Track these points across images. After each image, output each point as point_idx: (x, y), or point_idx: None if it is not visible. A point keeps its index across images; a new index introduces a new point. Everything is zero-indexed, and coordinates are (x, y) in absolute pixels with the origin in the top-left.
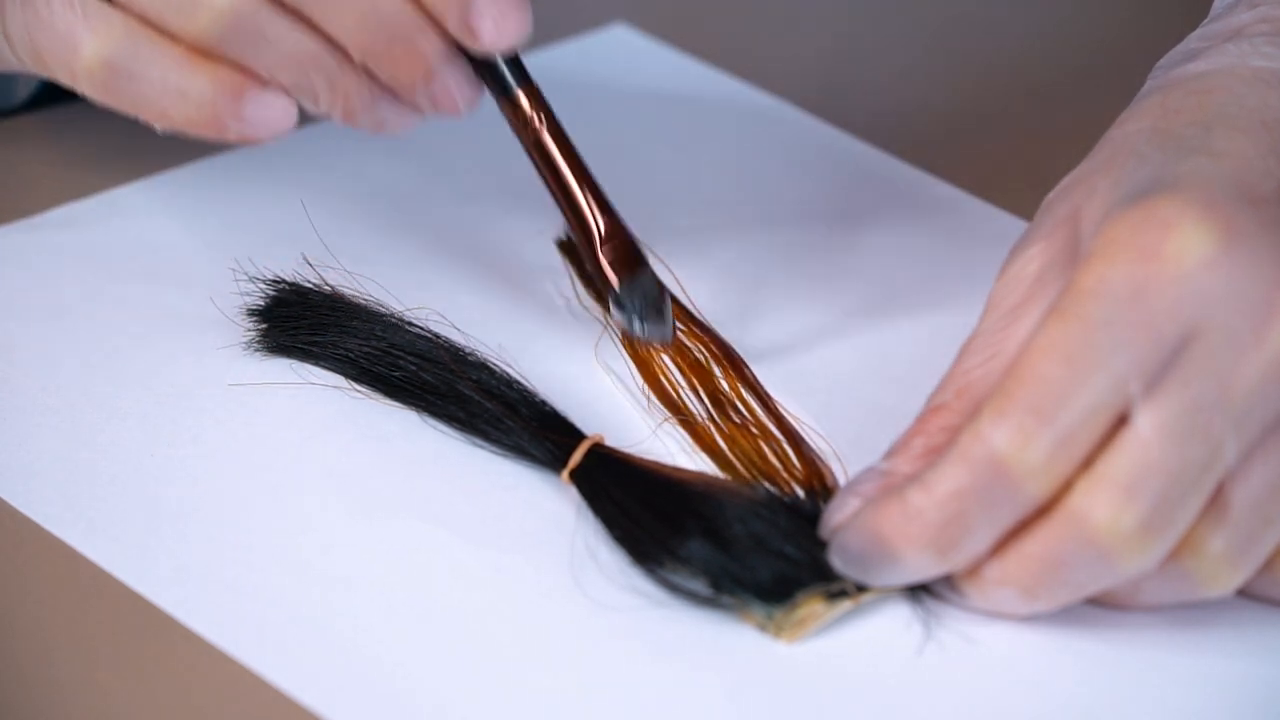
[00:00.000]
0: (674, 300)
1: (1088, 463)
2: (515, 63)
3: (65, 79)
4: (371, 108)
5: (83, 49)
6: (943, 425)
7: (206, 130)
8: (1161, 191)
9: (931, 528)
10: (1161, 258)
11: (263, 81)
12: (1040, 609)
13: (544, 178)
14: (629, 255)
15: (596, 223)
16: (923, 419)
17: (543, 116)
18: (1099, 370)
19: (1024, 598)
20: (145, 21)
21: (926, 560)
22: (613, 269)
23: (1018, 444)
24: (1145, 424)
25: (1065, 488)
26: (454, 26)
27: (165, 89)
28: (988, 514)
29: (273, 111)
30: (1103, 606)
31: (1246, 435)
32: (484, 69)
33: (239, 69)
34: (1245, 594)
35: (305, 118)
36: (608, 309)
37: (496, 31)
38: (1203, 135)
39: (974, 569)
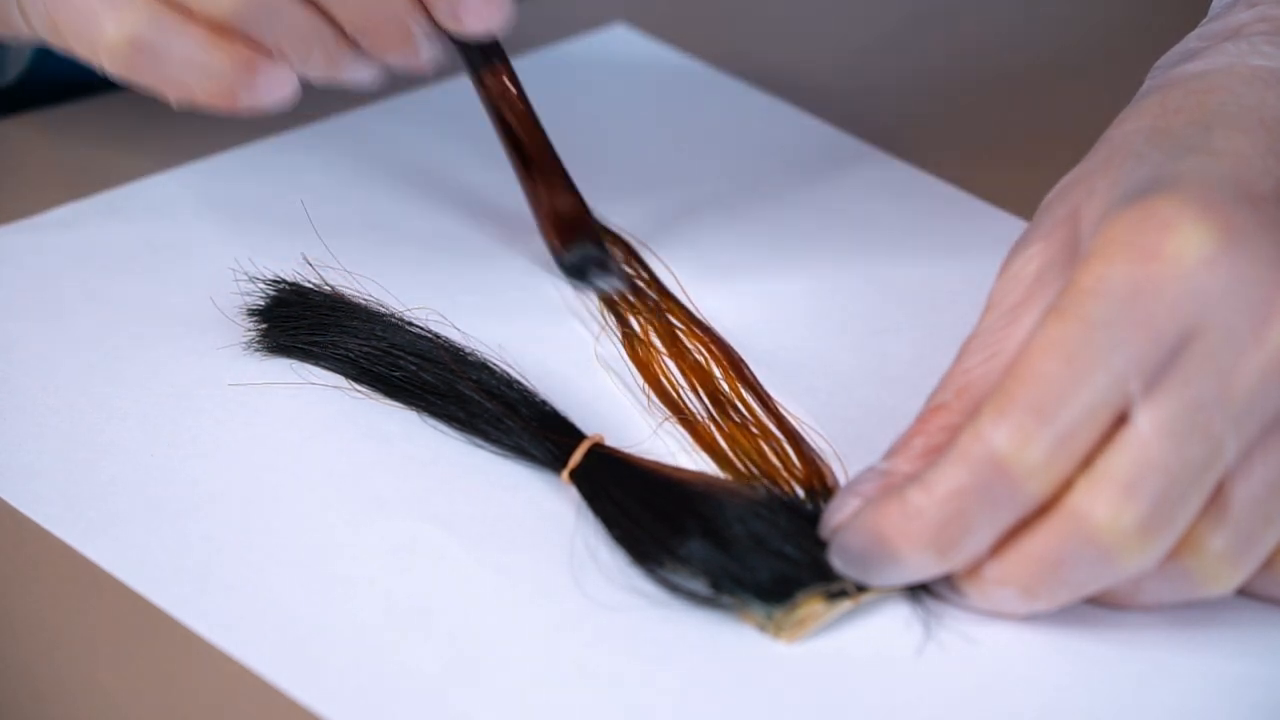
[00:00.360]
0: (639, 264)
1: (1088, 462)
2: (493, 42)
3: (84, 54)
4: (353, 71)
5: (106, 27)
6: (943, 425)
7: (221, 103)
8: (1160, 191)
9: (931, 527)
10: (1161, 257)
11: (270, 55)
12: (1040, 608)
13: (505, 143)
14: (574, 222)
15: (547, 194)
16: (923, 418)
17: (511, 92)
18: (1099, 369)
19: (1024, 597)
20: (166, 1)
21: (927, 560)
22: (557, 236)
23: (1018, 443)
24: (1145, 423)
25: (1065, 487)
26: (441, 14)
27: (189, 66)
28: (988, 513)
29: (280, 83)
30: (1103, 606)
31: (1246, 434)
32: (460, 43)
33: (250, 44)
34: (1245, 593)
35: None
36: (611, 305)
37: (479, 20)
38: (1202, 134)
39: (974, 569)
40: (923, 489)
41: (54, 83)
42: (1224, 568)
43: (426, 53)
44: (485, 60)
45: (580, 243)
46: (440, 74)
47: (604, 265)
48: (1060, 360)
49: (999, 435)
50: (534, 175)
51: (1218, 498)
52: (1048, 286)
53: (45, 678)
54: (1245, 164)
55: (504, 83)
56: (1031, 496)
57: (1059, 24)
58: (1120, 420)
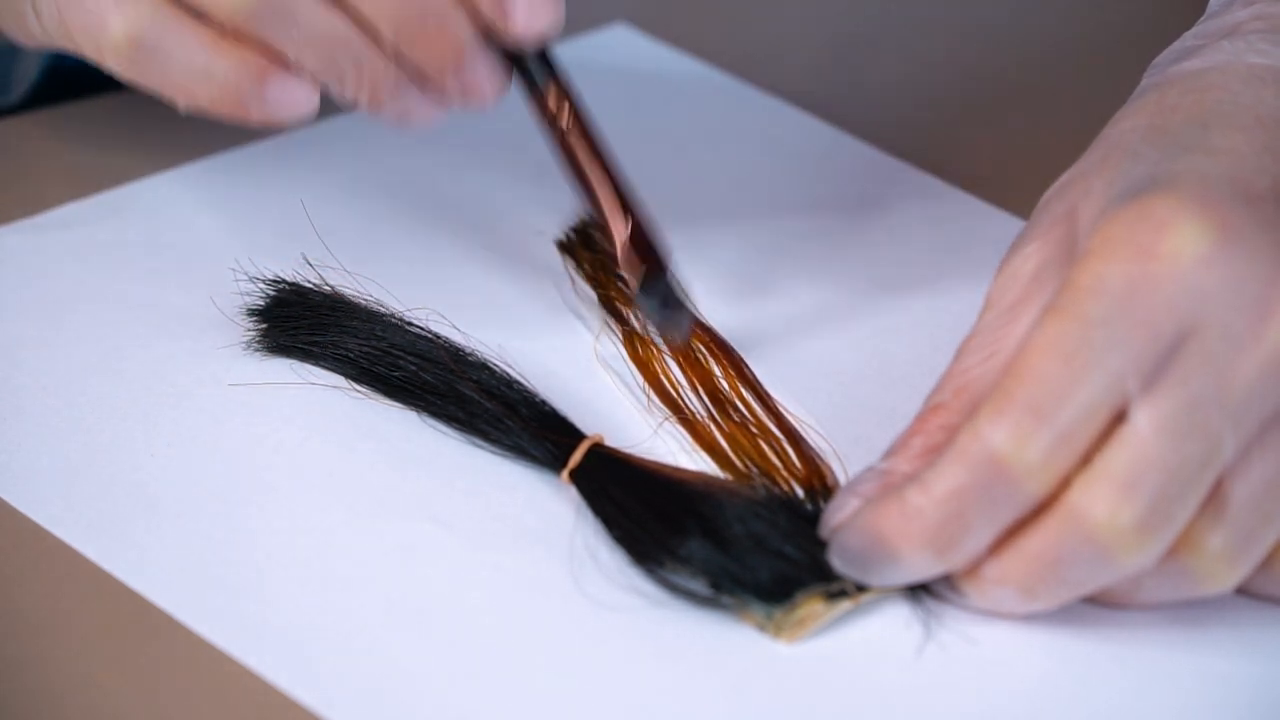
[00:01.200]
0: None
1: (1086, 460)
2: (545, 54)
3: (92, 55)
4: (397, 95)
5: (111, 26)
6: (941, 424)
7: (229, 110)
8: (1157, 189)
9: (930, 527)
10: (1158, 255)
11: (287, 64)
12: (1039, 607)
13: (570, 171)
14: (652, 251)
15: (622, 218)
16: (921, 418)
17: (571, 110)
18: (1096, 368)
19: (1023, 596)
20: (174, 0)
21: (926, 559)
22: (634, 264)
23: (1016, 442)
24: (1143, 421)
25: (1064, 486)
26: (488, 9)
27: (191, 69)
28: (986, 513)
29: (295, 95)
30: (1102, 606)
31: (1244, 431)
32: (514, 59)
33: (265, 51)
34: (1244, 592)
35: (322, 111)
36: (611, 305)
37: (529, 18)
38: (1199, 133)
39: (973, 568)
40: (921, 489)
41: (54, 80)
42: (1222, 566)
43: (480, 69)
44: (544, 73)
45: (661, 274)
46: None
47: (679, 309)
48: (1058, 359)
49: (997, 434)
50: (608, 198)
51: (1216, 496)
52: (1045, 285)
53: (45, 678)
54: (1242, 162)
55: (566, 99)
56: (1030, 496)
57: (1058, 23)
58: (1118, 419)
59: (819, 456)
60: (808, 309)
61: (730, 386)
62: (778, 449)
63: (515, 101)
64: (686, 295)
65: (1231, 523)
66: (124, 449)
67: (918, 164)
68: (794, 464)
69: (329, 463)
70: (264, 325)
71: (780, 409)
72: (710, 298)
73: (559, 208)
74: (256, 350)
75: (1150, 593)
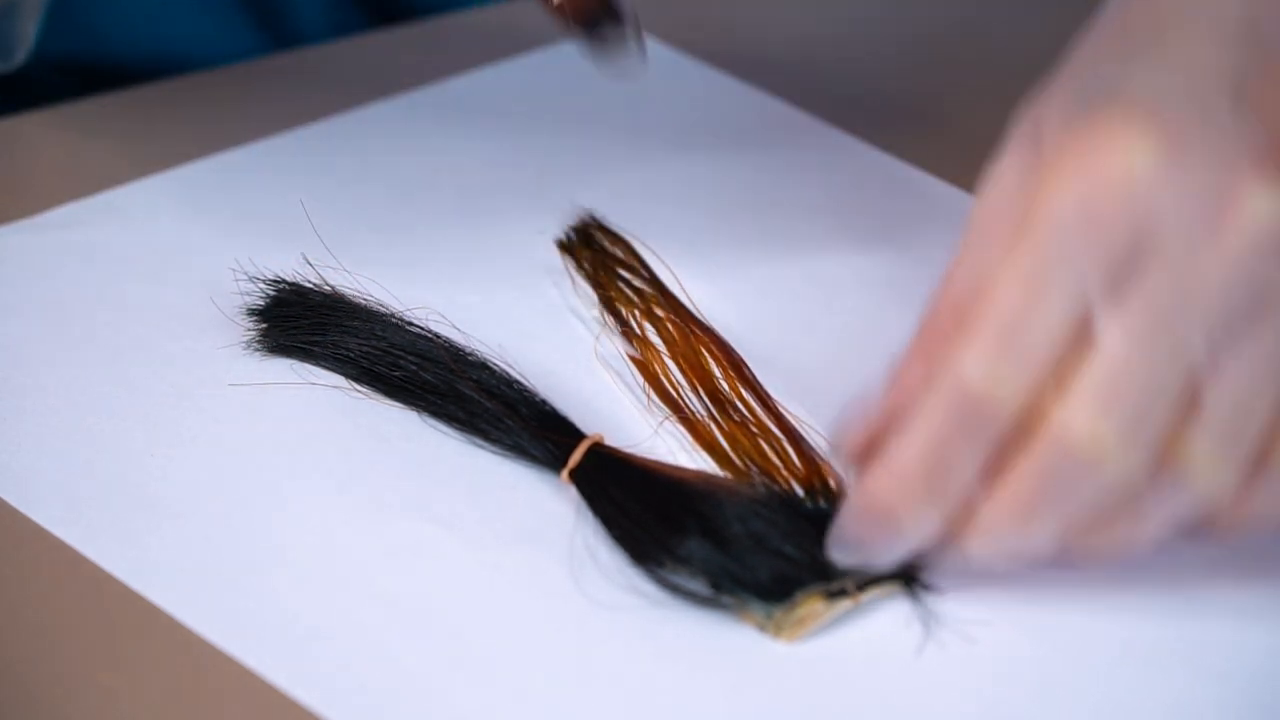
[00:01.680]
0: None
1: (1060, 383)
2: None
3: None
4: None
5: None
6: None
7: None
8: (1108, 102)
9: (919, 475)
10: (1110, 169)
11: None
12: (1040, 541)
13: None
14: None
15: None
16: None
17: None
18: (1054, 286)
19: (1021, 530)
20: None
21: (922, 512)
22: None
23: (986, 370)
24: (1111, 335)
25: (1041, 412)
26: None
27: None
28: (969, 448)
29: None
30: (1113, 555)
31: (1213, 335)
32: None
33: None
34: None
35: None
36: (610, 305)
37: None
38: (1154, 41)
39: (970, 519)
40: (902, 439)
41: (53, 79)
42: (1213, 466)
43: None
44: None
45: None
46: (440, 74)
47: (616, 16)
48: (1017, 283)
49: (967, 366)
50: None
51: (1195, 401)
52: (1017, 204)
53: (45, 678)
54: (1198, 69)
55: None
56: (1007, 420)
57: (1058, 23)
58: (1087, 338)
59: (819, 456)
60: (807, 309)
61: (730, 386)
62: (778, 449)
63: (516, 100)
64: (628, 27)
65: (1214, 422)
66: (124, 449)
67: (918, 163)
68: (794, 463)
69: (329, 463)
70: (264, 325)
71: (780, 409)
72: (710, 297)
73: (559, 208)
74: (256, 350)
75: (1154, 517)
